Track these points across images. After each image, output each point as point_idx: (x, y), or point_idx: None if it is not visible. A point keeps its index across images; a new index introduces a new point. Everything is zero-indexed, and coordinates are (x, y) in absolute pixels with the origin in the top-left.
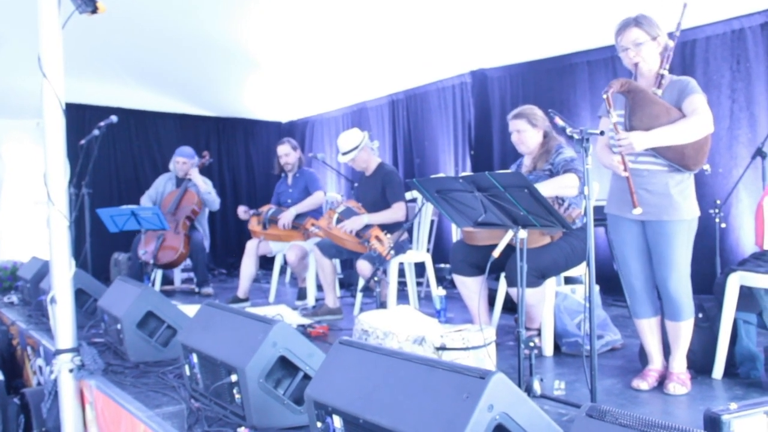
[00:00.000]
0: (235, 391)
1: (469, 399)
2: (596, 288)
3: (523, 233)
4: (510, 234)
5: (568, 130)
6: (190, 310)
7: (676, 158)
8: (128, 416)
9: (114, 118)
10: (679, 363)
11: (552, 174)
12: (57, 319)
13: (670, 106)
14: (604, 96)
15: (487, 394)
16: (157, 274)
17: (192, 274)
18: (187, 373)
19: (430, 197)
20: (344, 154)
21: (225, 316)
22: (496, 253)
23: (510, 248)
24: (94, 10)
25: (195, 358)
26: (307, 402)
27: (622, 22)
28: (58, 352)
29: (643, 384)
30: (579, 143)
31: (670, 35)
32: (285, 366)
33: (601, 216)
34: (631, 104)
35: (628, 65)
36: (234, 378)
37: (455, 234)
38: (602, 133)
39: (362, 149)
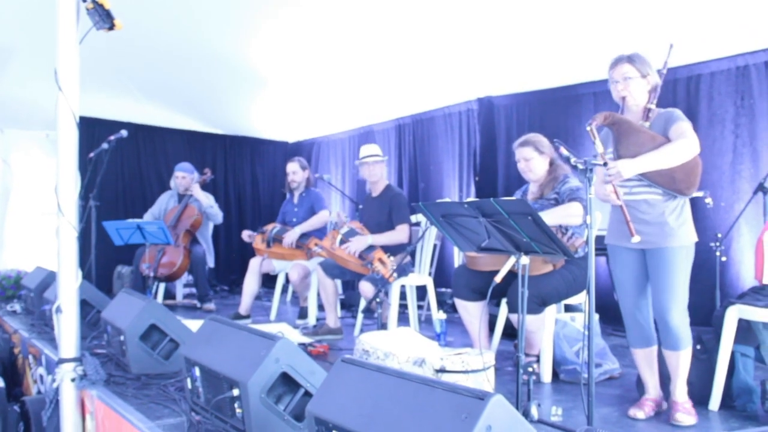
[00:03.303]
0: (236, 405)
1: (468, 419)
2: (596, 317)
3: (525, 260)
4: (512, 260)
5: (573, 160)
6: (192, 324)
7: (667, 183)
8: (129, 427)
9: (124, 133)
10: (681, 392)
11: (558, 202)
12: (62, 329)
13: (655, 134)
14: (588, 128)
15: (485, 415)
16: (159, 288)
17: (194, 289)
18: (189, 386)
19: (436, 221)
20: (369, 156)
21: (229, 331)
22: (498, 279)
23: (512, 274)
24: (112, 27)
25: (197, 372)
26: (308, 418)
27: (617, 57)
28: (61, 361)
29: (640, 413)
30: (583, 173)
31: (658, 72)
32: (286, 382)
33: (602, 245)
34: (616, 135)
35: (616, 98)
36: (236, 392)
37: (457, 258)
38: (605, 164)
39: (383, 162)
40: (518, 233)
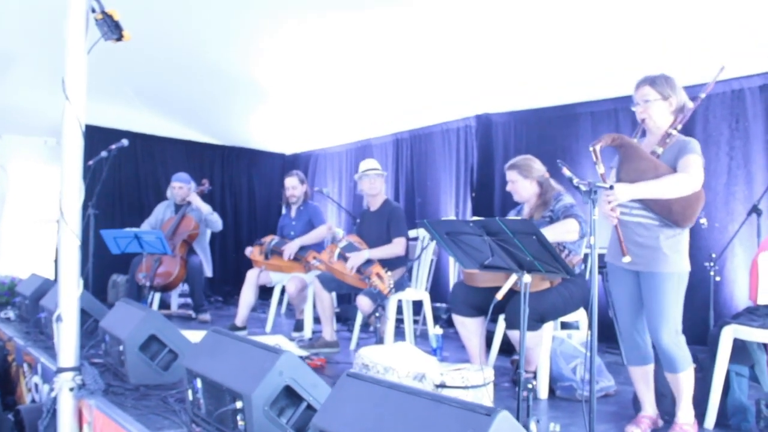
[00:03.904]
0: (239, 417)
1: None
2: None
3: (527, 278)
4: (513, 278)
5: (575, 181)
6: (189, 335)
7: (663, 213)
8: None
9: (125, 142)
10: (684, 413)
11: (552, 220)
12: (61, 338)
13: (660, 164)
14: (590, 149)
15: (492, 431)
16: (155, 298)
17: (189, 299)
18: (190, 397)
19: (440, 238)
20: (370, 169)
21: (232, 343)
22: (499, 296)
23: (510, 291)
24: (120, 38)
25: (199, 383)
26: (313, 431)
27: (641, 78)
28: (60, 370)
29: (637, 430)
30: (587, 195)
31: (693, 96)
32: (289, 395)
33: (598, 264)
34: (621, 157)
35: (639, 119)
36: (239, 405)
37: (452, 274)
38: (611, 187)
39: (382, 177)
40: (522, 252)
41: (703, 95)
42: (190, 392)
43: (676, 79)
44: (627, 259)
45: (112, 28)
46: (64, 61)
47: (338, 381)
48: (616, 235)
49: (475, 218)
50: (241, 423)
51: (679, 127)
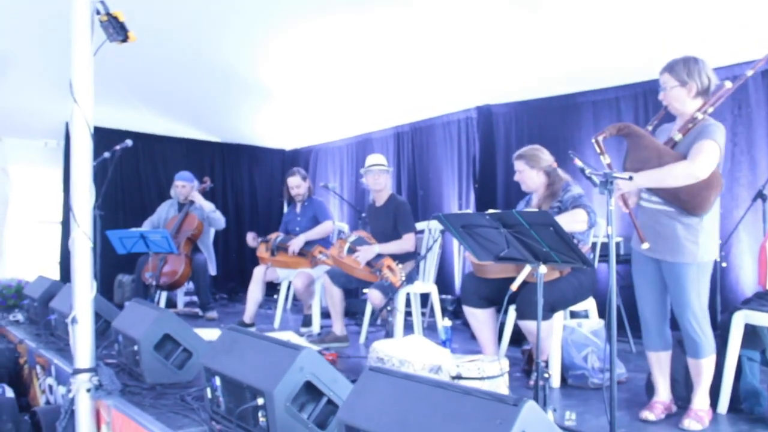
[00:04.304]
0: (260, 414)
1: (503, 425)
2: (601, 322)
3: (543, 269)
4: (528, 269)
5: (587, 171)
6: (203, 333)
7: (671, 200)
8: None
9: (129, 142)
10: (700, 399)
11: (561, 210)
12: (77, 339)
13: (667, 152)
14: (593, 141)
15: (520, 421)
16: (161, 297)
17: (195, 298)
18: (209, 395)
19: (455, 231)
20: (374, 165)
21: (249, 340)
22: (514, 287)
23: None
24: (125, 39)
25: (218, 381)
26: (338, 426)
27: (664, 65)
28: (77, 371)
29: (651, 415)
30: (603, 185)
31: (731, 78)
32: (310, 391)
33: (605, 252)
34: (628, 146)
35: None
36: (260, 401)
37: (457, 266)
38: (631, 177)
39: (388, 172)
40: (538, 243)
41: (750, 72)
42: (208, 390)
43: (704, 61)
44: (645, 245)
45: (117, 30)
46: (71, 64)
47: (361, 375)
48: (640, 222)
49: (492, 211)
50: (262, 420)
51: (711, 110)
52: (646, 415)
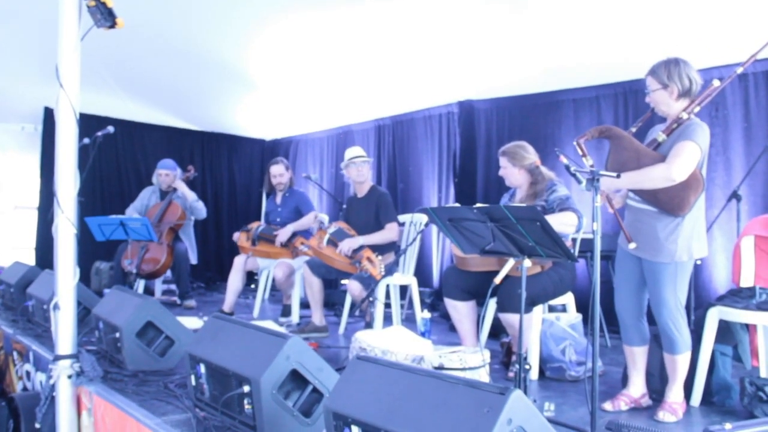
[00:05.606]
0: (246, 401)
1: (490, 413)
2: (579, 317)
3: (527, 262)
4: (511, 262)
5: (573, 169)
6: (185, 322)
7: (651, 200)
8: (134, 423)
9: (111, 129)
10: (675, 393)
11: (545, 210)
12: (59, 326)
13: (646, 154)
14: (575, 143)
15: (507, 409)
16: (139, 285)
17: (173, 286)
18: (192, 383)
19: (441, 224)
20: (356, 157)
21: (235, 329)
22: (497, 280)
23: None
24: (113, 25)
25: (202, 369)
26: (325, 413)
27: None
28: (58, 357)
29: (609, 406)
30: (590, 182)
31: (717, 76)
32: (295, 379)
33: (585, 248)
34: (610, 148)
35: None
36: (246, 389)
37: (435, 259)
38: (619, 175)
39: (369, 163)
40: (524, 237)
41: (740, 70)
42: (192, 377)
43: (686, 62)
44: (633, 245)
45: (105, 16)
46: (58, 48)
47: (348, 364)
48: (626, 221)
49: (479, 205)
50: (248, 407)
51: (697, 109)
52: (606, 406)
